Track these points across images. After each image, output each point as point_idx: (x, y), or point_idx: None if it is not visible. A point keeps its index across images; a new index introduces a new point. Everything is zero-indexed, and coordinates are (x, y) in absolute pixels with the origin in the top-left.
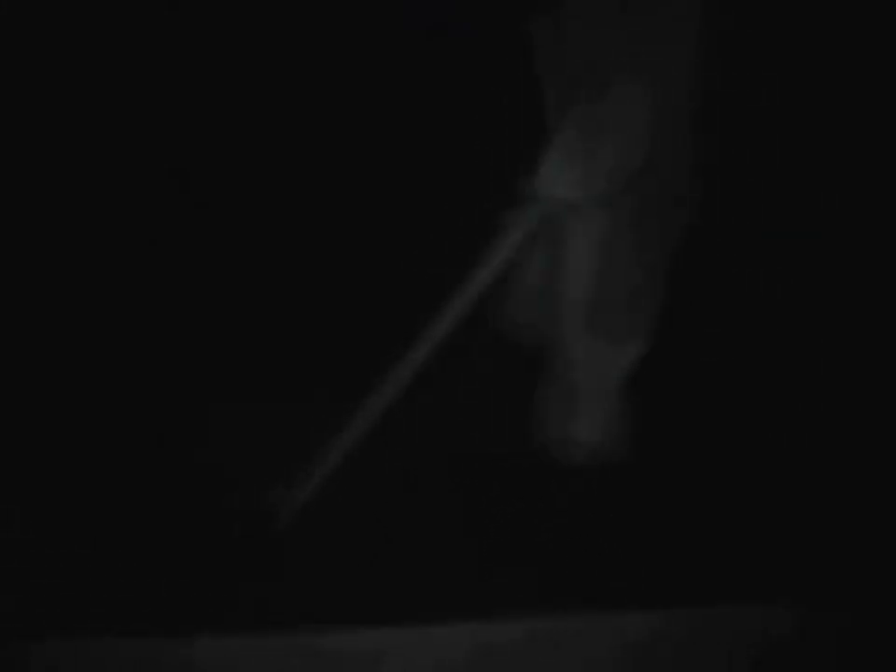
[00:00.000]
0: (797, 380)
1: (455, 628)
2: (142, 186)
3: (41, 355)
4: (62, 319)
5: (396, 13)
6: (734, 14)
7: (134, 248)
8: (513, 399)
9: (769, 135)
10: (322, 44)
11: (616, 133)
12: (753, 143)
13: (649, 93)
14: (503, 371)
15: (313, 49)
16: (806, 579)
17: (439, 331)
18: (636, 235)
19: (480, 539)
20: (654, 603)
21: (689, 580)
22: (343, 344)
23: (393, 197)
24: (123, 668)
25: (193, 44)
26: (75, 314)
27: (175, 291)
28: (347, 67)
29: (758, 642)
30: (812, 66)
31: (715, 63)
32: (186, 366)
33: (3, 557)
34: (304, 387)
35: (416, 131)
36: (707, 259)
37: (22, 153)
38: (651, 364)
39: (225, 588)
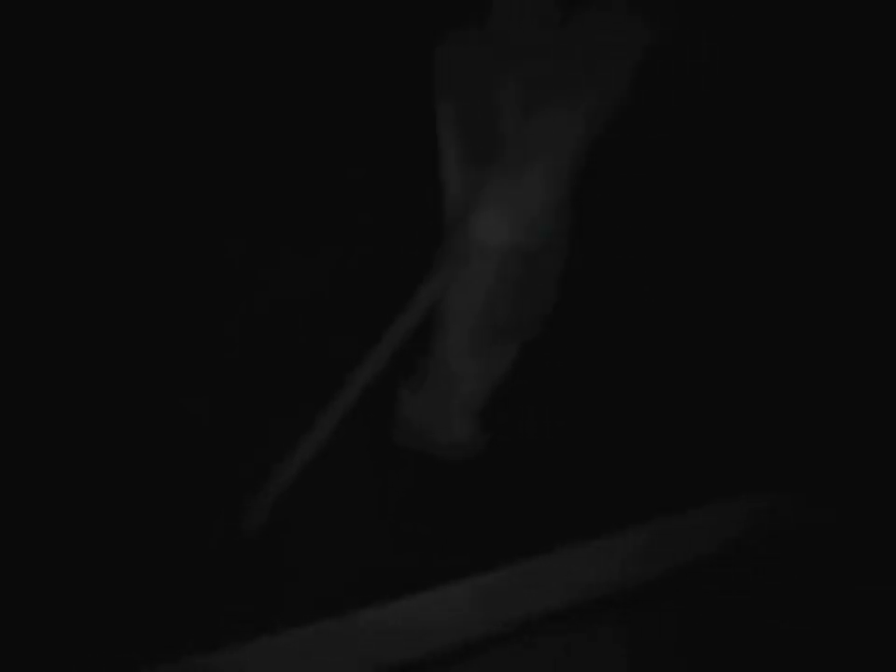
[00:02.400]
0: None
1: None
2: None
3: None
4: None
5: None
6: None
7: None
8: None
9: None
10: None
11: (540, 178)
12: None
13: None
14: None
15: None
16: (804, 466)
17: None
18: (524, 274)
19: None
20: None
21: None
22: (295, 361)
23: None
24: None
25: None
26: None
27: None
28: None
29: (757, 533)
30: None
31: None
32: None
33: None
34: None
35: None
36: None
37: None
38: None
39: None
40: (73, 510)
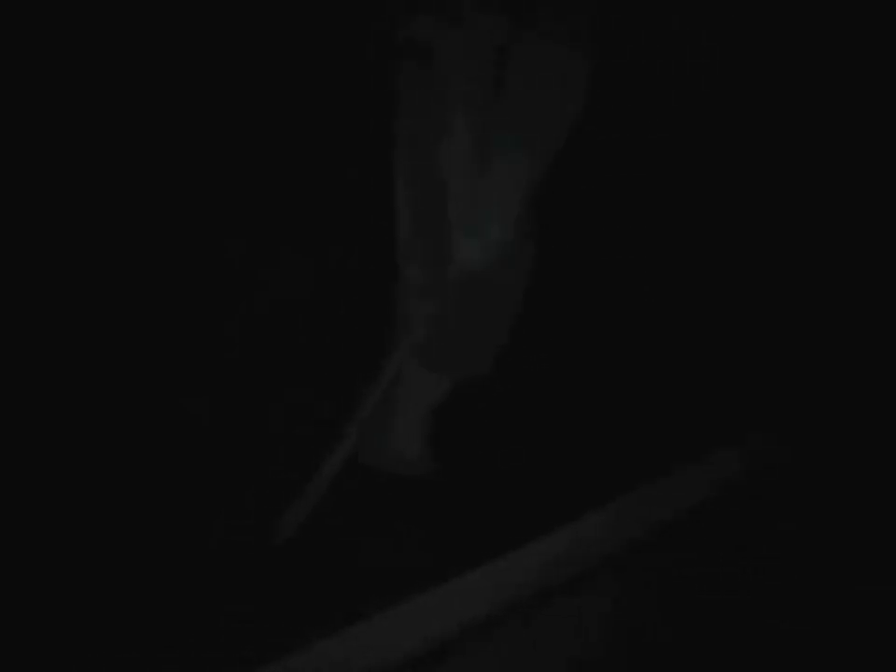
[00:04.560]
0: None
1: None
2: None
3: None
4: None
5: None
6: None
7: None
8: None
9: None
10: None
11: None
12: None
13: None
14: None
15: None
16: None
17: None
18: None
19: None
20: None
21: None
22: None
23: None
24: None
25: None
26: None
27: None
28: None
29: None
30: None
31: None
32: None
33: None
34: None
35: None
36: None
37: None
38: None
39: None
40: (73, 510)
